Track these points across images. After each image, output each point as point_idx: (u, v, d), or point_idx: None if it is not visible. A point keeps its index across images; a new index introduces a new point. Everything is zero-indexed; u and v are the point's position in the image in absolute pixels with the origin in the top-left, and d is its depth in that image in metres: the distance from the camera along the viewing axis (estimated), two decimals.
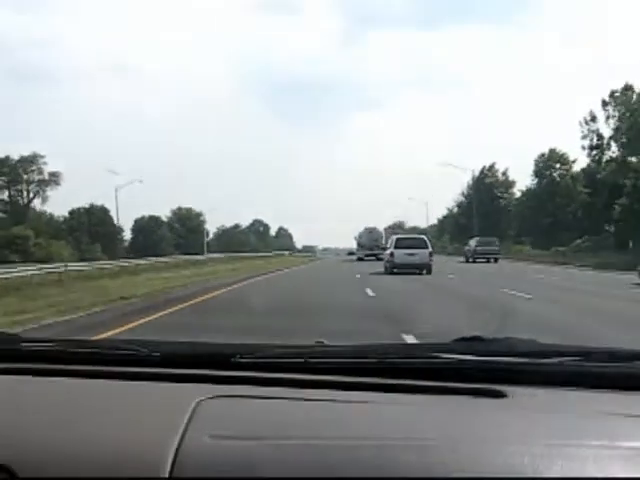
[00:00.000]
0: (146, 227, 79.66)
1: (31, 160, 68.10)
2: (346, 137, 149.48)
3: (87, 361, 1.19)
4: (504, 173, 72.78)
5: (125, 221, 76.72)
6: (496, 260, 37.72)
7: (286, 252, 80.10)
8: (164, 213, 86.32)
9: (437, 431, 0.85)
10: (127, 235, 78.66)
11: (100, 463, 0.79)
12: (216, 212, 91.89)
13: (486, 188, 67.95)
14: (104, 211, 66.96)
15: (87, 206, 70.54)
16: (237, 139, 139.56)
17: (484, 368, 1.06)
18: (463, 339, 1.20)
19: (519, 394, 0.98)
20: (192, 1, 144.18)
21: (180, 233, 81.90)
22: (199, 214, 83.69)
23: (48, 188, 70.04)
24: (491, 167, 72.96)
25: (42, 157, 68.66)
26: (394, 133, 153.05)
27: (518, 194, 68.75)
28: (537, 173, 62.68)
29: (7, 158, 67.67)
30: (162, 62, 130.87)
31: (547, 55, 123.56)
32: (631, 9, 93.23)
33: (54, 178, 70.02)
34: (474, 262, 37.52)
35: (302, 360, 1.12)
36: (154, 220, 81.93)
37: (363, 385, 1.02)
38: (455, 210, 77.42)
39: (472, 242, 40.79)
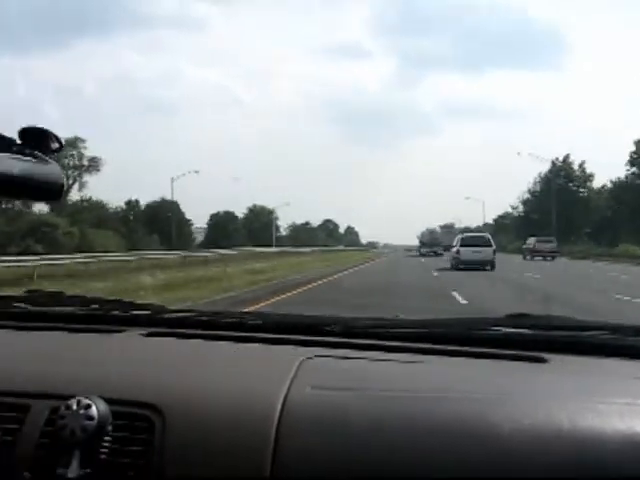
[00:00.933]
0: (221, 222, 77.79)
1: (71, 144, 56.18)
2: (405, 153, 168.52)
3: (216, 327, 1.32)
4: (580, 165, 62.65)
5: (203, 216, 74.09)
6: (553, 258, 36.50)
7: (351, 247, 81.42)
8: (241, 210, 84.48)
9: (490, 388, 0.94)
10: (196, 226, 74.99)
11: (227, 406, 0.90)
12: (292, 212, 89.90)
13: (560, 182, 59.29)
14: (174, 204, 59.71)
15: (158, 199, 63.40)
16: (314, 154, 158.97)
17: (529, 339, 1.18)
18: (512, 315, 1.30)
19: (557, 360, 1.07)
20: (281, 47, 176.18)
21: (254, 228, 79.72)
22: (271, 211, 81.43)
23: (87, 174, 58.38)
24: (565, 159, 62.70)
25: (83, 141, 57.83)
26: (450, 151, 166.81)
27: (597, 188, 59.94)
28: (634, 161, 52.80)
29: None
30: (258, 95, 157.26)
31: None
32: None
33: (93, 163, 58.83)
34: (532, 260, 36.21)
35: (384, 330, 1.25)
36: (229, 215, 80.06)
37: (431, 350, 1.14)
38: (520, 207, 68.85)
39: (531, 240, 40.20)
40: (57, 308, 1.43)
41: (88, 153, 58.78)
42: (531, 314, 1.30)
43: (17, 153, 0.79)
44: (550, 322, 1.27)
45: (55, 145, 0.85)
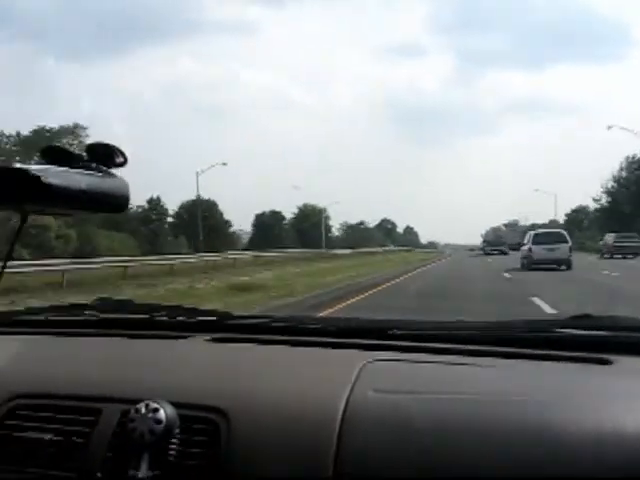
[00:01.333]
0: (267, 222, 71.14)
1: (72, 131, 48.86)
2: (463, 151, 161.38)
3: (279, 332, 1.32)
4: None
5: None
6: (634, 256, 32.00)
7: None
8: (291, 210, 77.70)
9: (554, 391, 0.92)
10: (235, 228, 68.51)
11: (290, 409, 0.92)
12: (348, 213, 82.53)
13: None
14: (211, 204, 54.24)
15: (194, 198, 54.56)
16: (370, 154, 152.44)
17: (593, 340, 1.13)
18: (576, 316, 1.25)
19: (623, 362, 1.04)
20: (335, 48, 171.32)
21: (303, 228, 72.83)
22: (321, 210, 74.06)
23: None
24: None
25: (84, 129, 49.39)
26: (509, 148, 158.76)
27: None
28: None
29: (42, 129, 48.21)
30: (312, 96, 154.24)
31: None
32: None
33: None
34: (611, 258, 32.26)
35: (446, 332, 1.24)
36: (276, 215, 73.24)
37: (494, 353, 1.10)
38: (602, 199, 57.58)
39: (609, 237, 36.14)
40: (125, 315, 1.48)
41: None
42: (595, 315, 1.25)
43: (84, 168, 0.84)
44: (614, 323, 1.22)
45: (120, 160, 0.88)
